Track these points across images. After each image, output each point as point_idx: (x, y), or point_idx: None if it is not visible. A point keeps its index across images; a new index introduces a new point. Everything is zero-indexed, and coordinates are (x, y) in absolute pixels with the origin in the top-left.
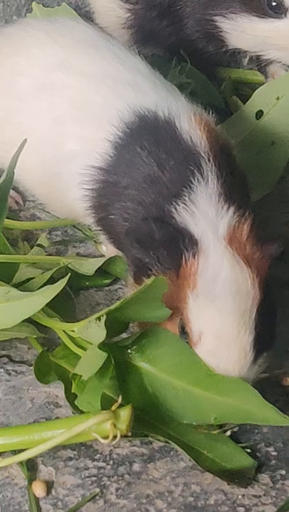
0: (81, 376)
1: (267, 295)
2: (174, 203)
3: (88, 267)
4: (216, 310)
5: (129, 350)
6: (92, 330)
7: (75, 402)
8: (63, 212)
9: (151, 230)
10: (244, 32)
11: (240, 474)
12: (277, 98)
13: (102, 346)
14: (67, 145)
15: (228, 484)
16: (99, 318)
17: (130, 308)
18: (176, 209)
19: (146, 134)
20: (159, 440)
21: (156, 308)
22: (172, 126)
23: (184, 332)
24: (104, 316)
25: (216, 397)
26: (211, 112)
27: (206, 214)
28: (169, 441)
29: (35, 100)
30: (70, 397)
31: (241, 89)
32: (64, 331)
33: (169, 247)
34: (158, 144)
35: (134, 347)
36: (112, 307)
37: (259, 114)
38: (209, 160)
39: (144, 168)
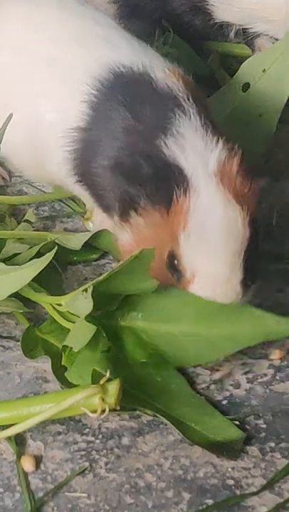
0: (71, 348)
1: (253, 229)
2: (162, 136)
3: (75, 241)
4: (209, 251)
5: (118, 314)
6: (79, 302)
7: (65, 375)
8: (48, 180)
9: (138, 165)
10: (231, 5)
11: (229, 447)
12: (264, 70)
13: (91, 318)
14: (45, 110)
15: (217, 457)
16: (86, 290)
17: (117, 280)
18: (164, 142)
19: (121, 88)
20: (147, 414)
21: (144, 279)
22: (147, 78)
23: (172, 267)
24: (91, 288)
25: (221, 328)
26: (194, 79)
27: (195, 147)
28: (157, 415)
29: (8, 66)
30: (58, 371)
31: (229, 62)
32: (51, 305)
33: (158, 183)
34: (133, 95)
35: (123, 309)
36: (99, 279)
37: (246, 86)
38: (188, 99)
39: (123, 121)
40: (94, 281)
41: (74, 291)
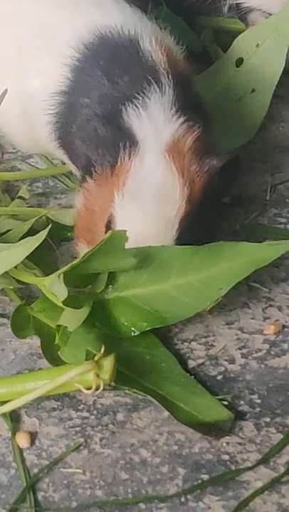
0: (64, 328)
1: (202, 212)
2: (125, 103)
3: (69, 217)
4: (138, 211)
5: (104, 290)
6: (56, 287)
7: (59, 354)
8: (40, 149)
9: (95, 128)
10: None
11: (217, 427)
12: (257, 45)
13: (81, 297)
14: (33, 75)
15: (204, 435)
16: (60, 276)
17: (94, 261)
18: (125, 109)
19: (104, 53)
20: (135, 393)
21: (121, 257)
22: (134, 46)
23: (108, 228)
24: (62, 276)
25: (209, 270)
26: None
27: (153, 119)
28: (145, 395)
29: None
30: (48, 351)
31: (222, 37)
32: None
33: (108, 145)
34: (114, 61)
35: (108, 284)
36: (74, 263)
37: (239, 61)
38: (168, 76)
39: (98, 86)
40: (69, 265)
41: (52, 274)
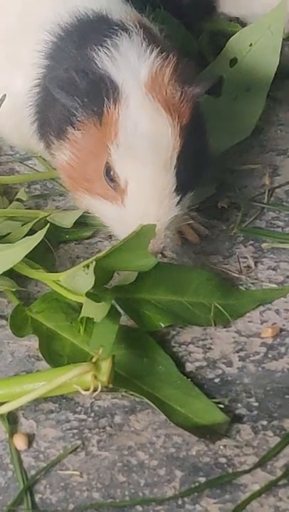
0: (88, 319)
1: (192, 135)
2: (95, 49)
3: (67, 219)
4: (136, 161)
5: (131, 289)
6: (79, 278)
7: (86, 349)
8: (25, 144)
9: (73, 78)
10: None
11: (213, 430)
12: (251, 45)
13: (103, 291)
14: (15, 70)
15: (200, 438)
16: (87, 266)
17: (117, 257)
18: (97, 55)
19: (78, 30)
20: (133, 395)
21: (142, 256)
22: (104, 18)
23: (108, 177)
24: (94, 263)
25: (221, 301)
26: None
27: (127, 59)
28: (142, 397)
29: None
30: (46, 351)
31: (220, 40)
32: (54, 281)
33: (90, 95)
34: (87, 34)
35: (134, 284)
36: (100, 254)
37: (233, 61)
38: (135, 25)
39: (70, 57)
40: (95, 256)
41: (72, 268)
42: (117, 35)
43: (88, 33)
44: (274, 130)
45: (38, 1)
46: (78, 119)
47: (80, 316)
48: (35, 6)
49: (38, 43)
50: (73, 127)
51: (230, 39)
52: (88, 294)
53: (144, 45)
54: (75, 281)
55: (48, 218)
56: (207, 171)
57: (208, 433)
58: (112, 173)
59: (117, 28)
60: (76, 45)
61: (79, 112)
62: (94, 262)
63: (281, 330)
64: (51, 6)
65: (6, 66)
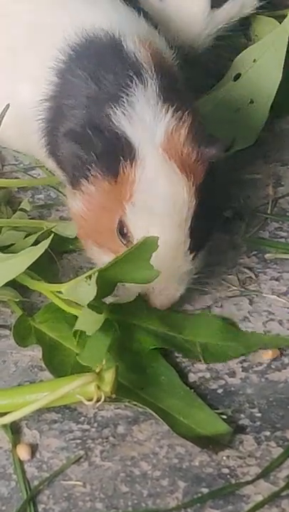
0: (82, 332)
1: (205, 195)
2: (112, 107)
3: (70, 229)
4: (152, 222)
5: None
6: (81, 289)
7: (78, 359)
8: (30, 152)
9: (88, 135)
10: None
11: (215, 440)
12: (254, 60)
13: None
14: (21, 81)
15: (202, 448)
16: (89, 277)
17: (119, 268)
18: (114, 113)
19: (89, 54)
20: (136, 406)
21: (144, 268)
22: (118, 45)
23: (121, 234)
24: (96, 274)
25: (226, 342)
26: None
27: (143, 119)
28: (144, 407)
29: None
30: (49, 361)
31: (225, 53)
32: (53, 292)
33: (106, 154)
34: (99, 62)
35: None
36: (103, 267)
37: (237, 76)
38: (151, 70)
39: (86, 87)
40: (97, 268)
41: (74, 279)
42: (132, 88)
43: (100, 60)
44: (277, 141)
45: (50, 16)
46: (92, 173)
47: (74, 329)
48: (46, 20)
49: (49, 59)
50: (87, 180)
51: (235, 59)
52: (89, 306)
53: (159, 103)
54: (77, 292)
55: (53, 229)
56: (216, 226)
57: (210, 443)
58: (125, 230)
59: (131, 73)
60: (88, 72)
61: (93, 168)
62: (96, 273)
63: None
64: (62, 23)
65: (11, 75)
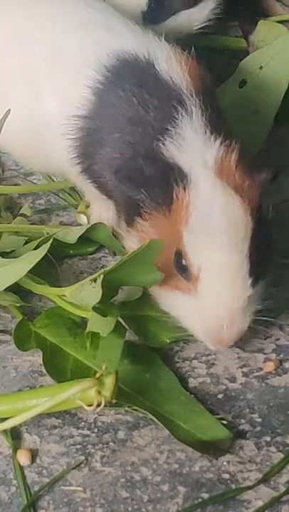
0: (94, 335)
1: (261, 222)
2: (161, 139)
3: (71, 235)
4: (212, 244)
5: (136, 306)
6: (86, 292)
7: (93, 362)
8: (49, 169)
9: (140, 167)
10: None
11: (215, 446)
12: (261, 67)
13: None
14: (47, 98)
15: (203, 454)
16: (94, 280)
17: (124, 271)
18: (164, 144)
19: (127, 75)
20: (136, 411)
21: (149, 271)
22: (152, 67)
23: (179, 267)
24: (102, 277)
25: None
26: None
27: (193, 147)
28: (145, 412)
29: (7, 57)
30: (49, 366)
31: (226, 57)
32: (58, 295)
33: (159, 183)
34: (140, 84)
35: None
36: (107, 269)
37: (242, 83)
38: (192, 95)
39: (128, 110)
40: (102, 270)
41: (79, 282)
42: (178, 119)
43: (139, 82)
44: (275, 148)
45: (75, 37)
46: (145, 210)
47: (87, 330)
48: (71, 41)
49: (81, 78)
50: (141, 217)
51: (241, 62)
52: (95, 309)
53: (208, 132)
54: (82, 295)
55: (54, 236)
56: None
57: (211, 449)
58: (183, 261)
59: (174, 102)
60: (128, 93)
61: (146, 204)
62: (101, 276)
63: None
64: (89, 45)
65: (31, 91)
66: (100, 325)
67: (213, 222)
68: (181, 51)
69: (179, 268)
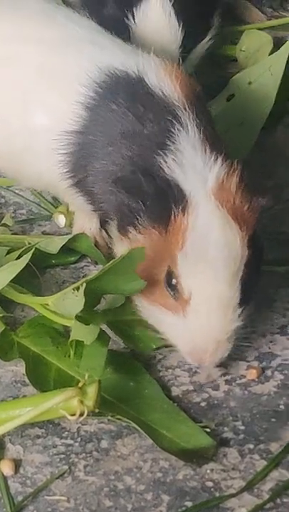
0: (78, 342)
1: (254, 247)
2: (161, 154)
3: (53, 245)
4: (206, 272)
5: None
6: (68, 301)
7: (77, 370)
8: (37, 184)
9: (140, 183)
10: None
11: (199, 454)
12: (250, 83)
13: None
14: (36, 115)
15: (186, 462)
16: (77, 289)
17: (106, 280)
18: (165, 161)
19: (119, 90)
20: (119, 420)
21: (131, 279)
22: (143, 82)
23: (170, 286)
24: (84, 286)
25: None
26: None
27: (194, 166)
28: (128, 421)
29: None
30: (32, 375)
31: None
32: (41, 304)
33: (158, 201)
34: (133, 98)
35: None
36: (89, 278)
37: (230, 97)
38: (186, 108)
39: (123, 124)
40: (84, 279)
41: (61, 291)
42: (175, 134)
43: (129, 97)
44: (258, 152)
45: (64, 53)
46: (141, 222)
47: (70, 339)
48: (60, 57)
49: (72, 94)
50: (135, 229)
51: (232, 78)
52: (77, 317)
53: (207, 150)
54: (65, 304)
55: (36, 246)
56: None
57: (194, 457)
58: (173, 281)
59: (169, 117)
60: (124, 108)
61: (142, 217)
62: (84, 285)
63: (266, 353)
64: (78, 61)
65: (23, 107)
66: (83, 333)
67: (209, 251)
68: (170, 64)
69: (170, 287)
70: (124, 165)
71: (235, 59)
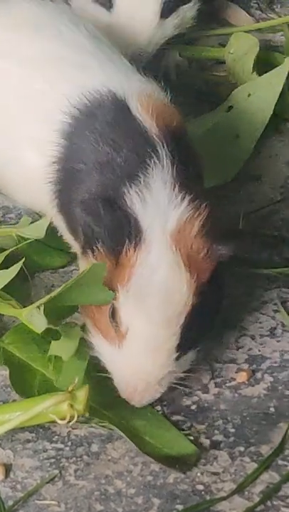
0: (57, 357)
1: (207, 293)
2: (127, 184)
3: (38, 230)
4: (143, 314)
5: None
6: (35, 318)
7: (55, 384)
8: (32, 208)
9: (98, 210)
10: None
11: (182, 460)
12: (249, 95)
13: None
14: (15, 143)
15: (169, 468)
16: (39, 307)
17: (73, 293)
18: (128, 191)
19: (98, 117)
20: (104, 427)
21: (99, 291)
22: (125, 108)
23: (112, 318)
24: (43, 307)
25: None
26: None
27: (158, 202)
28: (113, 427)
29: None
30: (16, 382)
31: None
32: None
33: (112, 232)
34: (111, 126)
35: None
36: (52, 294)
37: (229, 108)
38: (164, 145)
39: (97, 153)
40: (47, 297)
41: (30, 305)
42: (149, 163)
43: (108, 124)
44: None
45: (44, 80)
46: (98, 247)
47: (48, 353)
48: (40, 85)
49: (52, 122)
50: (93, 253)
51: (233, 92)
52: (48, 331)
53: (176, 189)
54: (32, 319)
55: (19, 233)
56: (213, 329)
57: (177, 463)
58: (115, 315)
59: (146, 146)
60: (97, 135)
61: (99, 243)
62: (42, 306)
63: (257, 356)
64: (59, 87)
65: (12, 141)
66: (61, 348)
67: (151, 292)
68: (155, 91)
69: (113, 318)
70: (95, 190)
71: (223, 61)
